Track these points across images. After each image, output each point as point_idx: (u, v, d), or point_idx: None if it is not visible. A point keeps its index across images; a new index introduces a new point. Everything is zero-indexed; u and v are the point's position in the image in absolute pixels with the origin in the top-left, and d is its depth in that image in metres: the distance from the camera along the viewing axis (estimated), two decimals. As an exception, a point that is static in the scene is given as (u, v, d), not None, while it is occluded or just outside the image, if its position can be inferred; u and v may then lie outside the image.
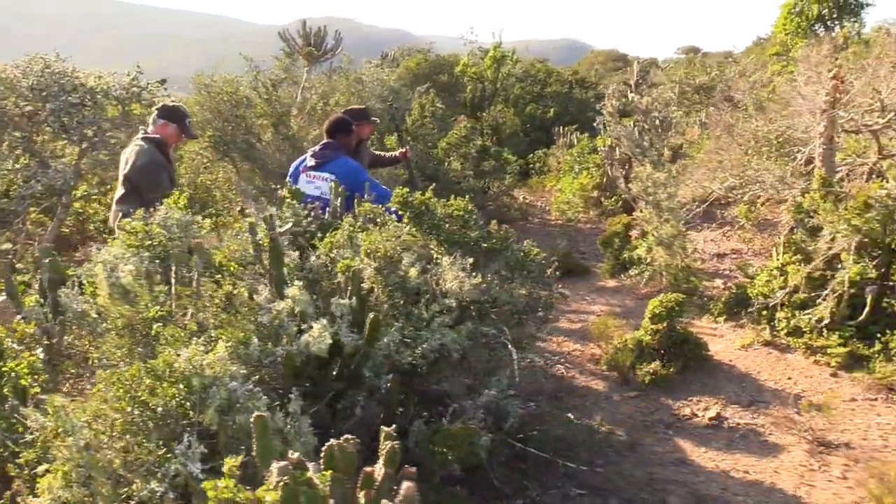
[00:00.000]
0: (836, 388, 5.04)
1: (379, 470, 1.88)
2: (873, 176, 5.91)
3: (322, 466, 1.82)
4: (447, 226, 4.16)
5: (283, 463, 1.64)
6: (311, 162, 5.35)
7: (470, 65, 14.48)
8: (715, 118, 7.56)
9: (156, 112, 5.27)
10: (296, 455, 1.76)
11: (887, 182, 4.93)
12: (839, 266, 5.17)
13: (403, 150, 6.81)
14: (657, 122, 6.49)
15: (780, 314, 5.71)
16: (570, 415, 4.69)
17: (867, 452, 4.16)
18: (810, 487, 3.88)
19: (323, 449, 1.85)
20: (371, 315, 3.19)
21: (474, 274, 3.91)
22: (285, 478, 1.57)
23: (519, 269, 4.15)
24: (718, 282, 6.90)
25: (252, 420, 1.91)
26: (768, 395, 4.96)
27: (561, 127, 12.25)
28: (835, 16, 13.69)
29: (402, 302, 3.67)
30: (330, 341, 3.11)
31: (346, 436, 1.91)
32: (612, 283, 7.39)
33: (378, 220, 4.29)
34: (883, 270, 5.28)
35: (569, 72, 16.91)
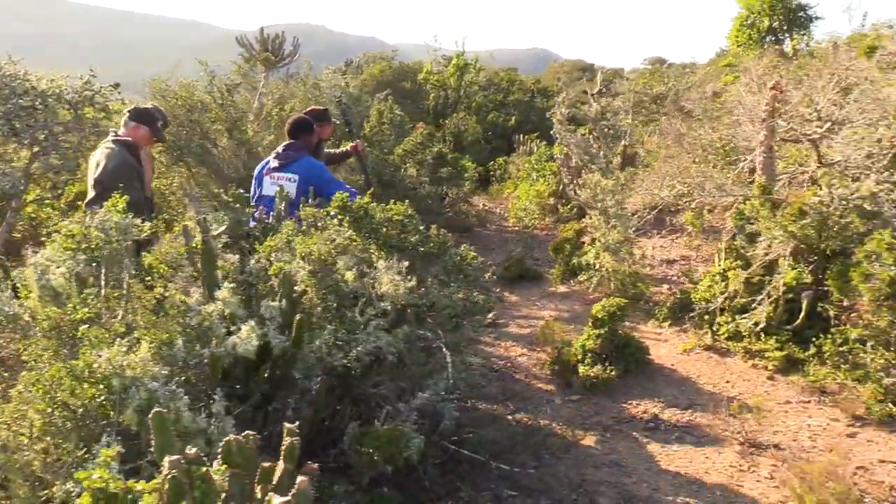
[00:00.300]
0: (772, 390, 5.16)
1: (279, 465, 1.91)
2: (813, 184, 6.07)
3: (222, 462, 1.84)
4: (385, 230, 4.20)
5: (175, 457, 1.66)
6: (274, 163, 5.38)
7: (432, 72, 14.59)
8: (666, 127, 7.72)
9: (127, 114, 5.24)
10: (193, 450, 1.78)
11: (821, 189, 5.08)
12: (777, 272, 5.29)
13: (354, 143, 6.86)
14: (607, 130, 6.60)
15: (720, 319, 5.84)
16: (510, 417, 4.76)
17: (795, 453, 4.27)
18: (738, 487, 3.97)
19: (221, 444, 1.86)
20: (298, 316, 3.21)
21: (409, 277, 3.96)
22: (174, 471, 1.59)
23: (456, 273, 4.20)
24: (666, 287, 7.02)
25: (150, 416, 1.92)
26: (706, 398, 5.06)
27: (521, 135, 12.36)
28: (785, 28, 14.07)
29: (335, 305, 3.70)
30: (257, 343, 3.13)
31: (246, 432, 1.93)
32: (562, 288, 7.48)
33: (319, 223, 4.32)
34: (819, 276, 5.42)
35: (531, 81, 17.06)
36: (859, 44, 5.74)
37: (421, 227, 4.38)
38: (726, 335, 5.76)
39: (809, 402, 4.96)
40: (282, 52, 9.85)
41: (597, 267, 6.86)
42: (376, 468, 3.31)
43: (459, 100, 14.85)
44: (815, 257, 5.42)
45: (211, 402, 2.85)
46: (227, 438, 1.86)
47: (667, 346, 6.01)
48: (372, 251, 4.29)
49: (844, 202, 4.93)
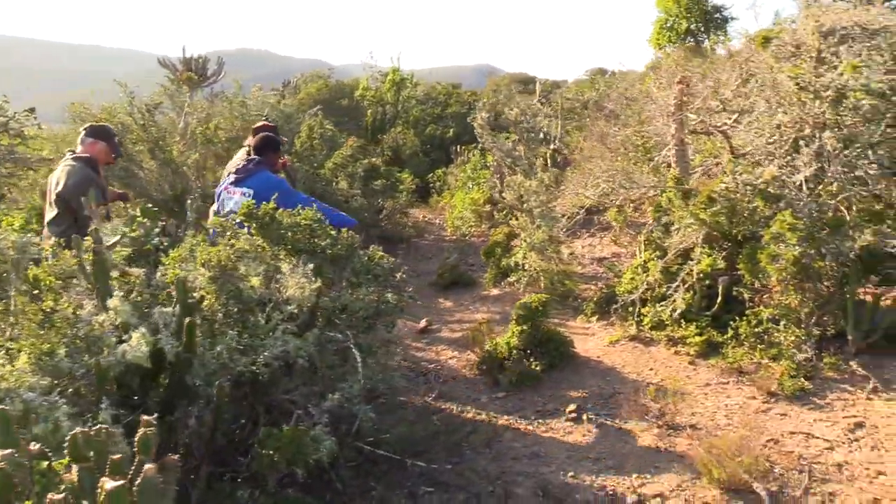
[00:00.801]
0: (693, 374, 5.25)
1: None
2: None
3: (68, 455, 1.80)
4: (292, 235, 4.19)
5: (8, 451, 1.62)
6: (231, 178, 5.37)
7: (369, 88, 14.65)
8: (591, 128, 7.86)
9: (83, 132, 5.34)
10: (37, 446, 1.74)
11: (727, 177, 5.22)
12: (690, 259, 5.41)
13: (282, 160, 6.73)
14: (529, 132, 6.70)
15: (644, 310, 5.93)
16: (434, 417, 4.76)
17: (711, 431, 4.35)
18: (655, 468, 4.02)
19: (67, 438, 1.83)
20: (188, 320, 3.17)
21: (315, 280, 3.96)
22: (2, 464, 1.56)
23: (364, 273, 4.20)
24: (596, 284, 7.11)
25: (-8, 416, 1.88)
26: (629, 387, 5.13)
27: (459, 146, 12.45)
28: (702, 29, 14.52)
29: (235, 310, 3.67)
30: (147, 349, 3.08)
31: (99, 426, 1.90)
32: (495, 291, 7.53)
33: (228, 232, 4.29)
34: (733, 261, 5.55)
35: (468, 94, 17.23)
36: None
37: (332, 231, 4.38)
38: (650, 325, 5.85)
39: (728, 382, 5.05)
40: (205, 72, 9.77)
41: (525, 267, 6.92)
42: (278, 470, 3.27)
43: (398, 114, 14.92)
44: (729, 243, 5.56)
45: (98, 411, 2.80)
46: (73, 432, 1.82)
47: (594, 339, 6.08)
48: (282, 256, 4.27)
49: (749, 188, 5.07)
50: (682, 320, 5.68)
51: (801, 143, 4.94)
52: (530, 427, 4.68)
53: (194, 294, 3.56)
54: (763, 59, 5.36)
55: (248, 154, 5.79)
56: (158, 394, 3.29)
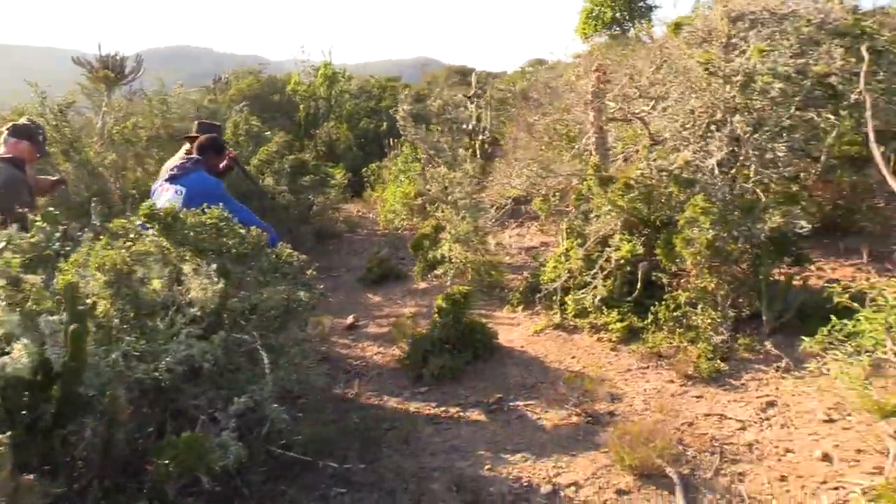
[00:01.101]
0: (615, 361, 5.28)
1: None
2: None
3: None
4: (196, 235, 4.04)
5: None
6: (167, 175, 5.25)
7: (300, 83, 14.41)
8: (517, 118, 7.85)
9: (6, 132, 5.26)
10: None
11: (642, 163, 5.25)
12: (608, 246, 5.43)
13: (227, 152, 6.44)
14: (452, 124, 6.64)
15: (567, 298, 5.94)
16: (354, 416, 4.66)
17: (628, 417, 4.37)
18: (571, 457, 4.01)
19: None
20: (72, 327, 3.00)
21: (217, 280, 3.82)
22: None
23: (272, 272, 4.08)
24: (523, 274, 7.10)
25: None
26: (551, 376, 5.12)
27: (392, 139, 12.31)
28: (627, 18, 14.75)
29: (132, 315, 3.51)
30: (27, 361, 2.92)
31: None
32: (423, 284, 7.46)
33: (132, 234, 4.12)
34: (651, 246, 5.59)
35: (403, 87, 17.09)
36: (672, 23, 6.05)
37: (241, 230, 4.25)
38: (573, 313, 5.86)
39: (647, 367, 5.09)
40: (122, 70, 9.42)
41: (451, 259, 6.87)
42: (177, 479, 3.14)
43: (331, 109, 14.70)
44: (647, 229, 5.60)
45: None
46: None
47: (519, 329, 6.07)
48: (187, 258, 4.12)
49: (664, 173, 5.10)
50: (604, 307, 5.70)
51: (713, 127, 4.98)
52: (451, 421, 4.63)
53: (87, 300, 3.38)
54: (676, 45, 5.39)
55: (188, 152, 5.63)
56: (50, 406, 3.12)
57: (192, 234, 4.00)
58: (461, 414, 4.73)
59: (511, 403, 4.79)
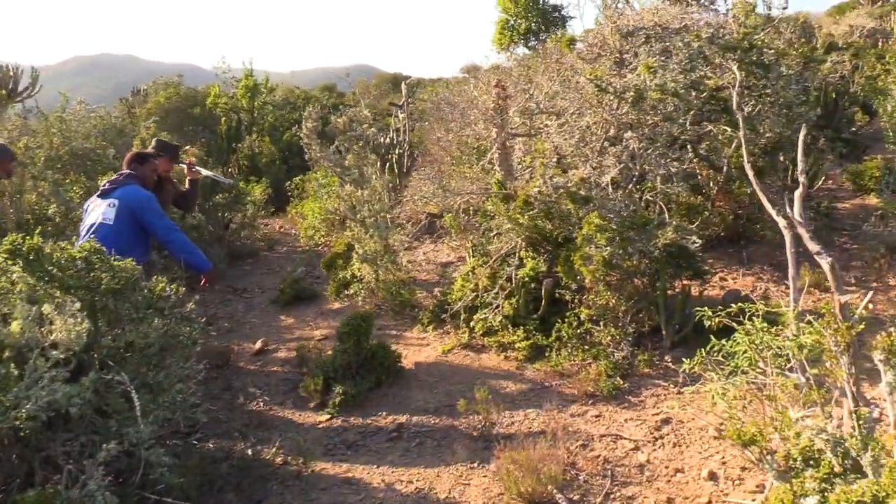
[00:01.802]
0: (519, 380, 5.23)
1: None
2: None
3: None
4: (61, 271, 3.83)
5: None
6: (99, 191, 5.21)
7: (221, 95, 14.08)
8: (429, 132, 7.77)
9: None
10: None
11: (538, 180, 5.22)
12: (509, 263, 5.39)
13: (187, 162, 6.34)
14: (358, 140, 6.52)
15: (476, 316, 5.88)
16: (248, 451, 4.48)
17: (524, 440, 4.30)
18: (465, 486, 3.94)
19: None
20: None
21: (82, 320, 3.64)
22: None
23: (145, 308, 3.90)
24: (435, 292, 7.02)
25: None
26: (455, 398, 5.03)
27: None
28: (543, 28, 14.86)
29: (-18, 362, 3.30)
30: None
31: None
32: (337, 304, 7.30)
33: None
34: (553, 263, 5.58)
35: (326, 96, 16.87)
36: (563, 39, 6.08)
37: (116, 263, 4.04)
38: (481, 331, 5.81)
39: (550, 386, 5.06)
40: (16, 86, 8.99)
41: (361, 279, 6.75)
42: (26, 541, 2.95)
43: (253, 121, 14.39)
44: (550, 246, 5.58)
45: None
46: None
47: (428, 349, 5.98)
48: (57, 295, 3.91)
49: (560, 190, 5.08)
50: (510, 325, 5.66)
51: (606, 143, 4.99)
52: (349, 451, 4.51)
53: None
54: (571, 61, 5.40)
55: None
56: None
57: (56, 270, 3.78)
58: (360, 443, 4.62)
59: (412, 430, 4.69)
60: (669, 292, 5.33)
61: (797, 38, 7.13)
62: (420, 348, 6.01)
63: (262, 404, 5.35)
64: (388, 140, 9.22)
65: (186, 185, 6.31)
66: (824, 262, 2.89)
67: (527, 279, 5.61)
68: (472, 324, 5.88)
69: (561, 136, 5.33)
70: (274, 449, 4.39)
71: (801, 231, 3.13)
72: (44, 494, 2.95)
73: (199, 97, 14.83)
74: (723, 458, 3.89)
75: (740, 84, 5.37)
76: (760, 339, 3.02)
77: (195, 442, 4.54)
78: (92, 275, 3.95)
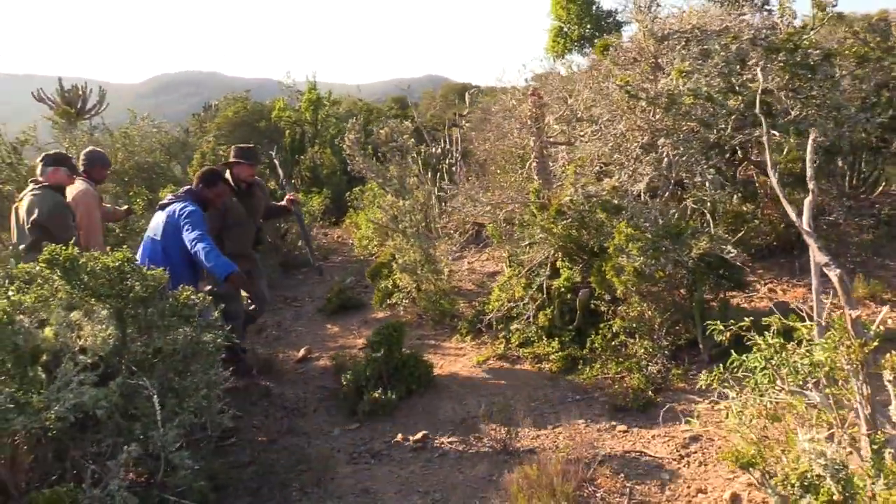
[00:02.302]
0: (552, 392, 5.14)
1: None
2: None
3: None
4: (94, 280, 3.99)
5: None
6: (164, 202, 5.43)
7: (285, 109, 14.44)
8: (474, 142, 7.75)
9: (41, 163, 5.52)
10: None
11: (570, 189, 5.13)
12: (541, 274, 5.31)
13: (289, 196, 6.30)
14: (398, 152, 6.56)
15: (512, 326, 5.81)
16: (274, 456, 4.56)
17: (548, 455, 4.22)
18: (480, 499, 3.89)
19: None
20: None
21: (110, 326, 3.79)
22: None
23: (170, 315, 4.02)
24: (476, 301, 6.97)
25: None
26: (485, 410, 4.97)
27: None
28: (596, 35, 14.57)
29: (10, 365, 3.46)
30: None
31: None
32: (381, 314, 7.35)
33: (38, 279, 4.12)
34: (587, 274, 5.46)
35: (387, 108, 17.04)
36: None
37: (147, 272, 4.19)
38: (517, 342, 5.74)
39: (581, 399, 4.95)
40: (83, 104, 9.46)
41: (403, 288, 6.78)
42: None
43: (317, 134, 14.71)
44: (585, 255, 5.47)
45: None
46: None
47: (464, 360, 5.94)
48: (93, 302, 4.08)
49: (593, 199, 4.98)
50: (546, 336, 5.58)
51: (639, 151, 4.86)
52: (372, 460, 4.52)
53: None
54: (605, 67, 5.29)
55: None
56: None
57: (88, 278, 3.95)
58: (385, 452, 4.62)
59: (437, 440, 4.67)
60: (713, 303, 5.15)
61: (872, 37, 6.78)
62: (456, 358, 5.98)
63: (297, 411, 5.43)
64: (438, 150, 9.25)
65: (280, 203, 6.34)
66: (832, 275, 2.73)
67: (563, 289, 5.51)
68: (507, 335, 5.82)
69: (595, 143, 5.22)
70: (303, 452, 4.45)
71: (810, 241, 2.96)
72: (57, 493, 3.06)
73: (265, 111, 15.28)
74: (749, 479, 3.70)
75: (784, 87, 5.16)
76: (774, 356, 2.86)
77: (223, 446, 4.66)
78: (123, 284, 4.10)
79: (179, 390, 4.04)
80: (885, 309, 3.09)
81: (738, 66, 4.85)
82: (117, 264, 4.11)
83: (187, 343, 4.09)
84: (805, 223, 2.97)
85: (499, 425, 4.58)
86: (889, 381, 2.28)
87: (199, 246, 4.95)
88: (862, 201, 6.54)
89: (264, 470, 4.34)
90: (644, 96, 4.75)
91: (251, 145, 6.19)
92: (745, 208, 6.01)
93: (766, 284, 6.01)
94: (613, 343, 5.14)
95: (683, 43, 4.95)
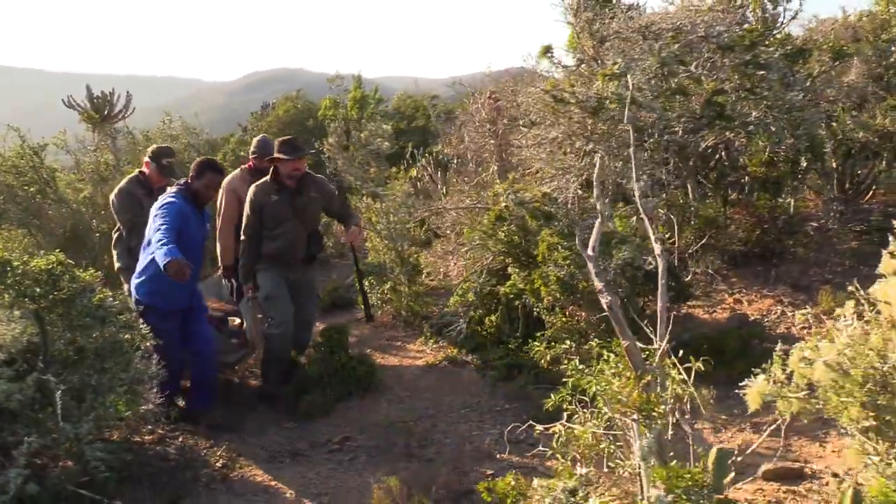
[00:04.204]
0: (487, 399, 5.13)
1: None
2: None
3: None
4: (20, 281, 4.27)
5: None
6: None
7: (330, 107, 14.75)
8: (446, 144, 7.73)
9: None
10: None
11: (503, 196, 5.06)
12: (474, 279, 5.27)
13: (353, 230, 5.54)
14: (375, 153, 6.62)
15: (466, 330, 5.80)
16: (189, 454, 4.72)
17: (444, 463, 4.22)
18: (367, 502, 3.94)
19: None
20: None
21: (17, 325, 4.05)
22: None
23: (85, 316, 4.25)
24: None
25: None
26: (415, 415, 5.02)
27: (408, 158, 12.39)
28: None
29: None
30: None
31: None
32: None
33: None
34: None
35: (429, 104, 16.99)
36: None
37: (78, 273, 4.44)
38: (469, 347, 5.73)
39: (511, 408, 4.93)
40: (111, 109, 10.01)
41: (379, 290, 6.87)
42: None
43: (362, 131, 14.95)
44: (529, 261, 5.39)
45: None
46: None
47: (420, 362, 5.97)
48: (13, 303, 4.37)
49: (526, 206, 4.91)
50: (494, 343, 5.54)
51: (571, 156, 4.76)
52: (286, 460, 4.64)
53: None
54: (546, 69, 5.19)
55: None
56: None
57: (12, 279, 4.23)
58: (304, 453, 4.73)
59: (355, 443, 4.74)
60: (676, 314, 5.02)
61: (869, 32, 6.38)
62: (413, 361, 6.03)
63: (250, 407, 5.59)
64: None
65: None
66: (603, 301, 2.62)
67: (511, 296, 5.46)
68: (461, 338, 5.82)
69: (534, 149, 5.13)
70: (214, 451, 4.61)
71: (590, 265, 2.85)
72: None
73: (313, 109, 15.66)
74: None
75: (740, 87, 4.93)
76: (580, 383, 2.79)
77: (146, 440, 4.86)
78: (52, 285, 4.36)
79: (97, 386, 4.27)
80: (666, 341, 2.85)
81: (678, 67, 4.65)
82: (49, 267, 4.39)
83: (103, 342, 4.32)
84: (590, 247, 2.85)
85: (418, 431, 4.62)
86: (634, 421, 2.20)
87: (155, 237, 4.60)
88: (856, 206, 6.12)
89: (183, 465, 4.52)
90: (574, 101, 4.63)
91: (291, 137, 5.63)
92: (714, 213, 5.77)
93: (733, 294, 5.73)
94: (548, 350, 5.05)
95: (620, 44, 4.79)
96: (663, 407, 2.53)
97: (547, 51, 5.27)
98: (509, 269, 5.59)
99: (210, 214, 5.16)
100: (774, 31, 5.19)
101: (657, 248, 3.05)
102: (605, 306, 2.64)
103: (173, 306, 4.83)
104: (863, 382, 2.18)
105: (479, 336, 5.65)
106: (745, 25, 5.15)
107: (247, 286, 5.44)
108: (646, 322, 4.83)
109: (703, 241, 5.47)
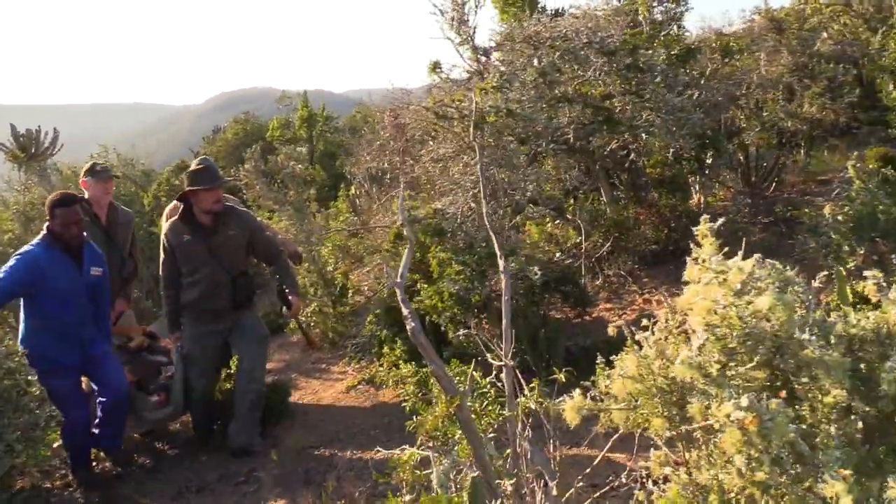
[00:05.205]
0: (400, 419, 5.09)
1: None
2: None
3: None
4: None
5: None
6: None
7: (277, 128, 14.73)
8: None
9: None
10: None
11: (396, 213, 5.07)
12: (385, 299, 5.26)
13: (294, 308, 5.15)
14: (292, 178, 6.59)
15: (384, 350, 5.79)
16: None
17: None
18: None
19: None
20: None
21: None
22: None
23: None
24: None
25: None
26: (324, 440, 5.01)
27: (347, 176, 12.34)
28: None
29: None
30: None
31: None
32: (296, 337, 7.44)
33: None
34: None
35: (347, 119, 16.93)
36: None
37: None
38: (386, 366, 5.71)
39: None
40: (37, 148, 9.89)
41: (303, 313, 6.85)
42: None
43: (313, 150, 14.94)
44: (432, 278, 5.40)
45: None
46: None
47: (340, 385, 5.96)
48: None
49: (415, 223, 4.92)
50: (410, 360, 5.53)
51: (455, 170, 4.77)
52: (194, 494, 4.61)
53: None
54: (436, 85, 5.21)
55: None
56: None
57: None
58: (211, 487, 4.69)
59: (261, 473, 4.71)
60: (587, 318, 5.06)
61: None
62: (334, 383, 6.01)
63: (169, 442, 5.54)
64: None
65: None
66: (408, 327, 2.61)
67: (421, 312, 5.45)
68: (380, 358, 5.81)
69: (430, 164, 5.14)
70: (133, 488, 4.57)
71: (398, 292, 2.83)
72: None
73: (263, 131, 15.62)
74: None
75: (627, 91, 4.97)
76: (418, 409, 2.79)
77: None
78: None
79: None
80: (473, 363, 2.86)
81: (557, 75, 4.68)
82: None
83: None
84: (399, 274, 2.85)
85: (325, 456, 4.61)
86: (429, 448, 2.20)
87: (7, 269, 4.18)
88: (763, 198, 6.17)
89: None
90: (456, 116, 4.65)
91: (205, 165, 4.79)
92: (623, 215, 5.81)
93: (643, 294, 5.77)
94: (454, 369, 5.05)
95: (507, 55, 4.82)
96: (487, 429, 2.53)
97: (436, 66, 5.30)
98: (418, 285, 5.60)
99: (103, 253, 4.87)
100: (661, 34, 5.22)
101: (501, 264, 3.06)
102: (409, 333, 2.62)
103: (63, 363, 4.41)
104: (656, 394, 2.19)
105: (391, 355, 5.64)
106: (637, 29, 5.20)
107: (172, 336, 5.07)
108: (544, 331, 4.88)
109: (610, 244, 5.48)
